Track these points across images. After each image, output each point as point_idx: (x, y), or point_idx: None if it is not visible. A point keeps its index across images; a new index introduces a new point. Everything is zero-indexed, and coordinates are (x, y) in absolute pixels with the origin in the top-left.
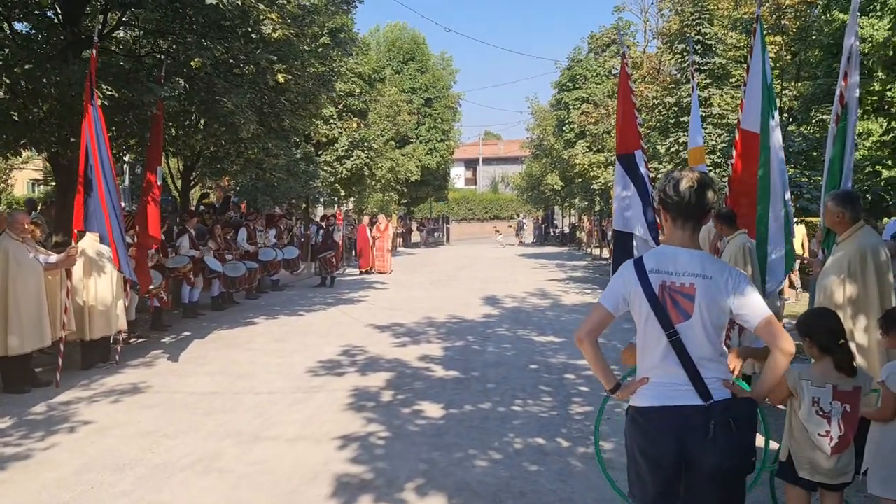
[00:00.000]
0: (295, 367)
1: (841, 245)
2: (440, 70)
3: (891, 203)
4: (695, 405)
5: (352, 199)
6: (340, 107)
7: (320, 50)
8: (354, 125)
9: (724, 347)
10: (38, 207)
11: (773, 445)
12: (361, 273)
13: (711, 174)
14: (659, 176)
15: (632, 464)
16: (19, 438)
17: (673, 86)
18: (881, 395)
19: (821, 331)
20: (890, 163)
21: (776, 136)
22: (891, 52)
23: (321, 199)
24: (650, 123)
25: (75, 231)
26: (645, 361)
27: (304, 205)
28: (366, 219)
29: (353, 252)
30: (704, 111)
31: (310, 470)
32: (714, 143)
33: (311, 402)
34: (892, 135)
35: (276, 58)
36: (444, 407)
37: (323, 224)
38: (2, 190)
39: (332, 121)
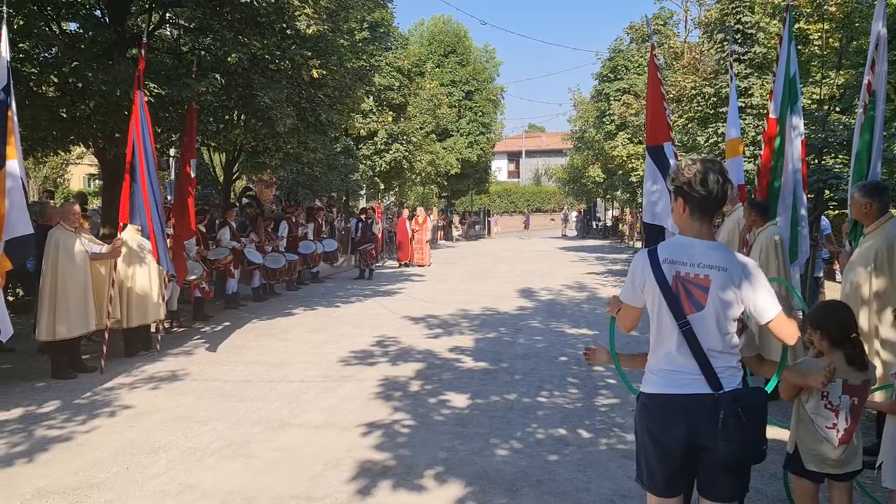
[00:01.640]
0: (328, 356)
1: (868, 237)
2: (482, 63)
3: None
4: (704, 394)
5: (392, 192)
6: (380, 100)
7: (359, 44)
8: (390, 119)
9: (737, 338)
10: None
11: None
12: (400, 266)
13: (749, 166)
14: None
15: (640, 450)
16: (63, 422)
17: (712, 76)
18: (895, 389)
19: (832, 324)
20: None
21: (793, 124)
22: None
23: (362, 193)
24: (689, 115)
25: (121, 224)
26: (658, 350)
27: (343, 198)
28: (405, 212)
29: (393, 245)
30: (744, 101)
31: (333, 456)
32: (753, 134)
33: (340, 391)
34: None
35: (310, 53)
36: (470, 397)
37: (362, 217)
38: (59, 185)
39: (370, 115)
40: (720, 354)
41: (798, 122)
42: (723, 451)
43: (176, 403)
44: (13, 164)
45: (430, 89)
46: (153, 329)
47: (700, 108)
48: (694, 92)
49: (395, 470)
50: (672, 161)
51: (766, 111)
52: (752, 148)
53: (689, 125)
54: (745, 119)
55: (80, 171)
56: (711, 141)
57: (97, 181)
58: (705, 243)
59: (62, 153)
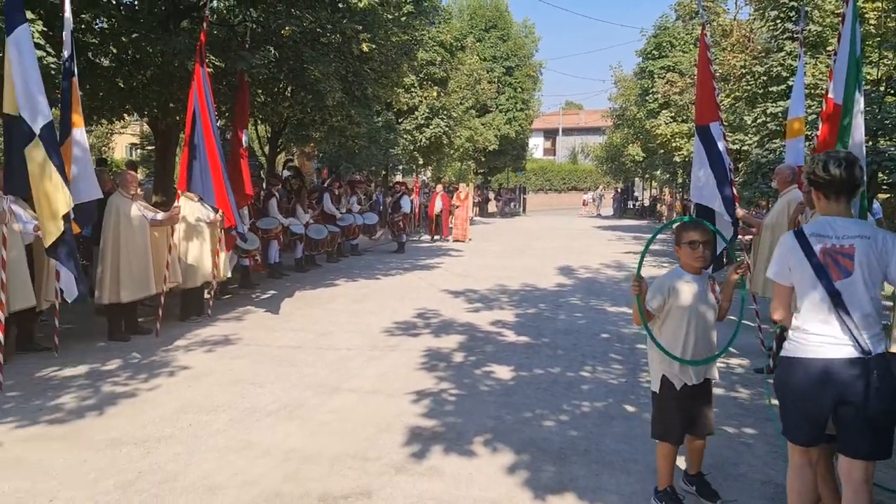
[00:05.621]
0: (372, 326)
1: None
2: (522, 38)
3: None
4: (852, 358)
5: (430, 167)
6: (421, 75)
7: (403, 19)
8: (434, 94)
9: (881, 303)
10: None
11: None
12: (438, 240)
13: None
14: (744, 148)
15: (784, 410)
16: (126, 379)
17: (763, 54)
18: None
19: None
20: None
21: (859, 110)
22: None
23: (400, 167)
24: (737, 94)
25: (179, 192)
26: (808, 317)
27: (383, 172)
28: (439, 187)
29: (434, 220)
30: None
31: (384, 420)
32: (804, 114)
33: (386, 360)
34: None
35: (360, 27)
36: (514, 369)
37: (401, 190)
38: (103, 153)
39: (412, 89)
40: (867, 318)
41: (861, 103)
42: (871, 407)
43: (230, 366)
44: (79, 132)
45: (470, 64)
46: (206, 295)
47: (749, 88)
48: (743, 71)
49: (445, 435)
50: (720, 143)
51: (819, 91)
52: (805, 128)
53: (737, 104)
54: None
55: (124, 140)
56: (759, 121)
57: (139, 150)
58: (846, 219)
59: (116, 121)
